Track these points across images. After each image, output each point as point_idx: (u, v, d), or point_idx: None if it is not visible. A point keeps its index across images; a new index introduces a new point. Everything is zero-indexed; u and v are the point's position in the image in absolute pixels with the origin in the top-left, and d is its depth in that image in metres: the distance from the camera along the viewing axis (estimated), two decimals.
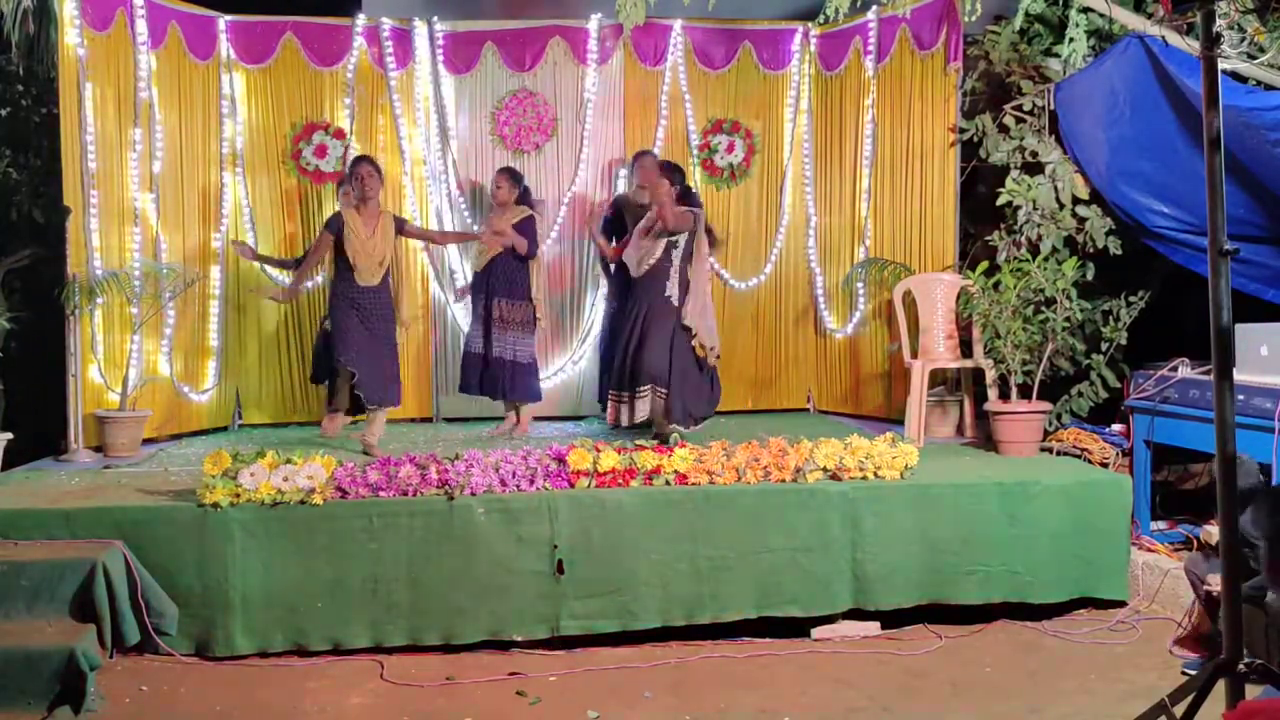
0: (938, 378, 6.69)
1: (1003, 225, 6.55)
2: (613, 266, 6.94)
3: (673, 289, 6.22)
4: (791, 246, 7.91)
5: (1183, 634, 4.75)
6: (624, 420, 6.21)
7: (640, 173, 6.82)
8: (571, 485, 4.93)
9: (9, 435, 5.91)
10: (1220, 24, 3.00)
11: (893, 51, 7.14)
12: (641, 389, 6.13)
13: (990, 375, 6.27)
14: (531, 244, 6.75)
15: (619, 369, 6.27)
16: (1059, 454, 5.94)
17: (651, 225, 6.31)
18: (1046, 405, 6.03)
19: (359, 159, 6.37)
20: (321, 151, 7.37)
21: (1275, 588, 3.60)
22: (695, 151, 7.69)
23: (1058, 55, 6.38)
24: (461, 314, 7.56)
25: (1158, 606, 5.12)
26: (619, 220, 7.04)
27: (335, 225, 6.12)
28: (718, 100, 7.76)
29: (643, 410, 6.14)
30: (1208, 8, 2.98)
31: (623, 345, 6.28)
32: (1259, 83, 5.30)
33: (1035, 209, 6.38)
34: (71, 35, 6.22)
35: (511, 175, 6.88)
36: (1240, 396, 4.67)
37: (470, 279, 7.02)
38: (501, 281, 6.76)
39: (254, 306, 7.40)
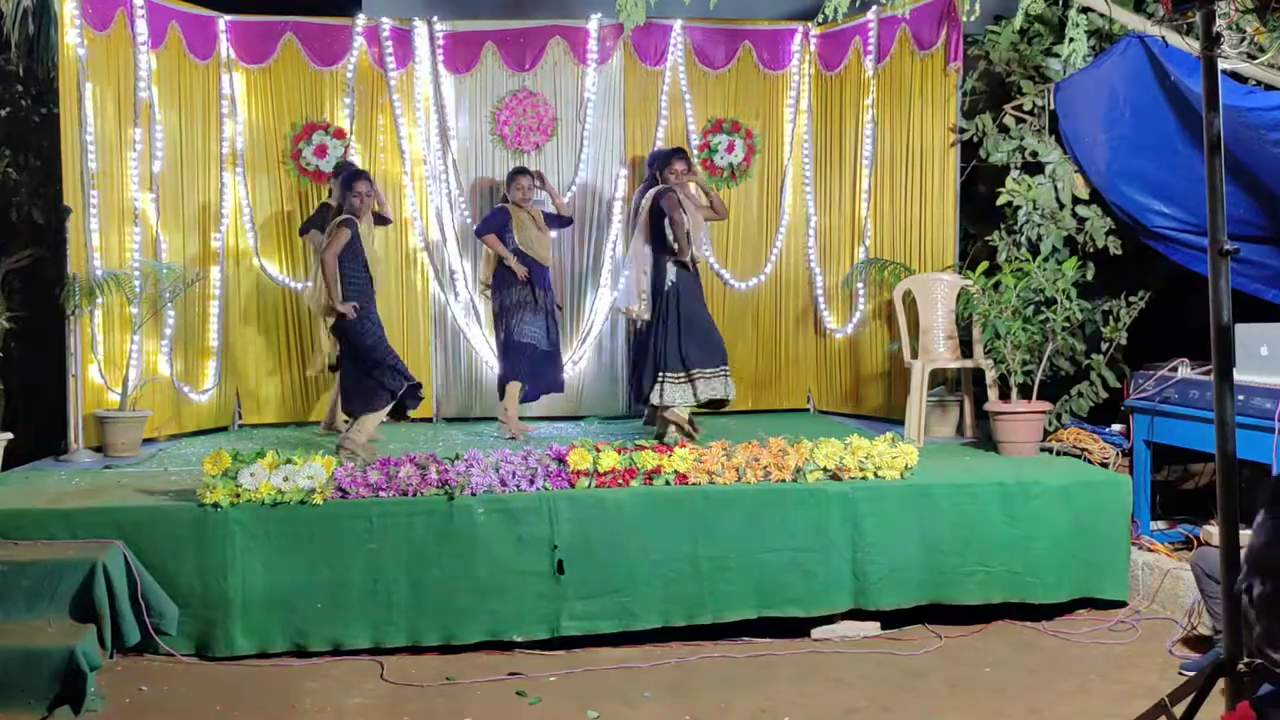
0: (938, 378, 6.70)
1: (1003, 225, 6.56)
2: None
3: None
4: (791, 246, 7.92)
5: (1183, 634, 4.75)
6: (727, 393, 6.32)
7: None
8: (571, 485, 4.93)
9: (9, 435, 5.91)
10: (1220, 24, 3.00)
11: (892, 51, 7.14)
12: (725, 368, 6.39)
13: (990, 375, 6.27)
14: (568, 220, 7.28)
15: (716, 347, 6.36)
16: (1059, 454, 5.94)
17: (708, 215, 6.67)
18: (1046, 405, 6.03)
19: (360, 175, 6.19)
20: (321, 151, 7.37)
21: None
22: (695, 151, 7.69)
23: (1058, 55, 6.38)
24: (462, 314, 7.57)
25: (1158, 606, 5.12)
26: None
27: (354, 227, 6.06)
28: (718, 100, 7.76)
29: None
30: (1208, 8, 2.98)
31: (709, 324, 6.42)
32: (1259, 83, 5.29)
33: (1035, 209, 6.38)
34: (71, 35, 6.22)
35: (531, 175, 6.99)
36: (1240, 396, 4.67)
37: (533, 275, 6.79)
38: (547, 276, 6.94)
39: (254, 306, 7.40)
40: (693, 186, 6.57)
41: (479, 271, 7.30)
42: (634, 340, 7.03)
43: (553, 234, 7.17)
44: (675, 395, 6.21)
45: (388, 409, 5.99)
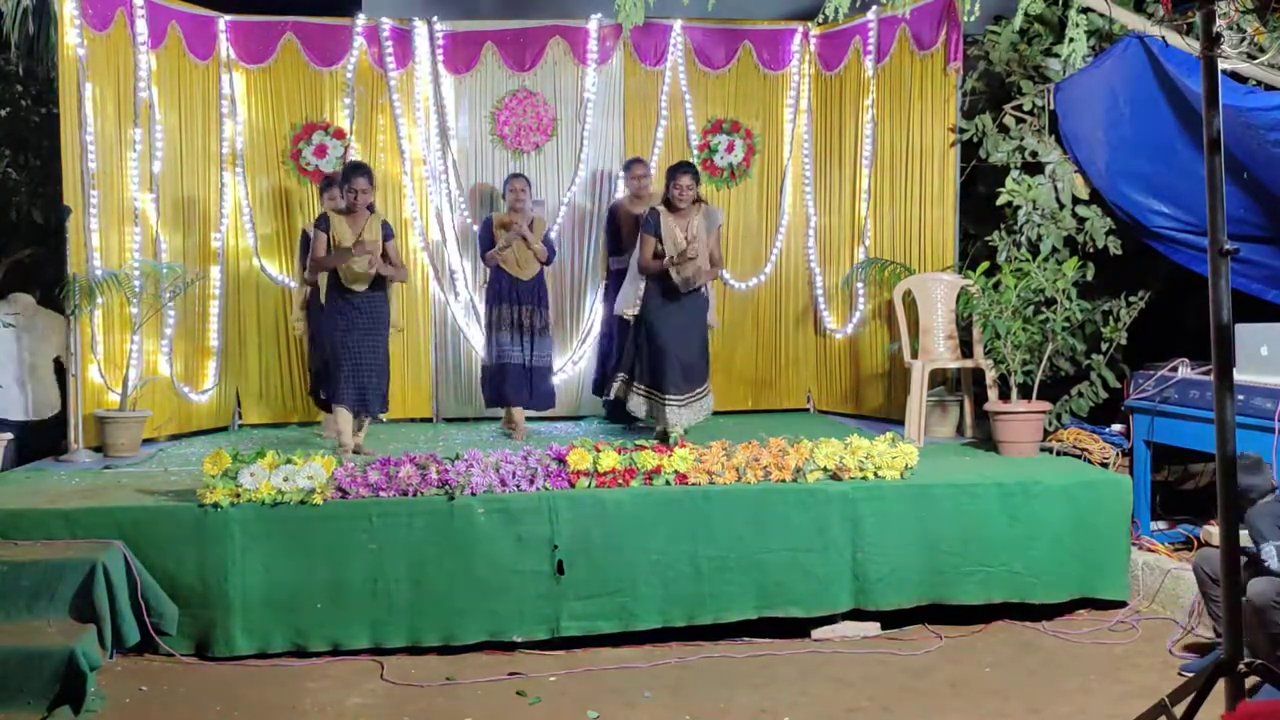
0: (938, 378, 6.69)
1: (1003, 225, 6.56)
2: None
3: (709, 290, 6.37)
4: (791, 246, 7.92)
5: (1184, 635, 4.75)
6: (685, 421, 6.06)
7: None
8: (571, 485, 4.93)
9: (9, 435, 5.91)
10: (1220, 24, 3.00)
11: (892, 51, 7.14)
12: (700, 389, 6.14)
13: (990, 375, 6.27)
14: (551, 253, 6.88)
15: (682, 369, 6.07)
16: (1059, 454, 5.94)
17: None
18: (1046, 405, 6.03)
19: (358, 168, 5.99)
20: (321, 151, 7.37)
21: None
22: (695, 151, 7.69)
23: (1058, 55, 6.38)
24: (462, 314, 7.57)
25: (1158, 606, 5.11)
26: (615, 227, 7.07)
27: (325, 224, 5.89)
28: (718, 100, 7.76)
29: (706, 408, 6.19)
30: (1208, 8, 2.98)
31: (681, 345, 6.09)
32: (1259, 83, 5.30)
33: (1035, 209, 6.39)
34: (71, 35, 6.22)
35: (528, 181, 6.88)
36: (1240, 396, 4.67)
37: (503, 288, 6.71)
38: (538, 290, 6.79)
39: (254, 306, 7.40)
40: (699, 218, 6.29)
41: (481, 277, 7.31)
42: (612, 334, 6.97)
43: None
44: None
45: (334, 407, 5.99)
